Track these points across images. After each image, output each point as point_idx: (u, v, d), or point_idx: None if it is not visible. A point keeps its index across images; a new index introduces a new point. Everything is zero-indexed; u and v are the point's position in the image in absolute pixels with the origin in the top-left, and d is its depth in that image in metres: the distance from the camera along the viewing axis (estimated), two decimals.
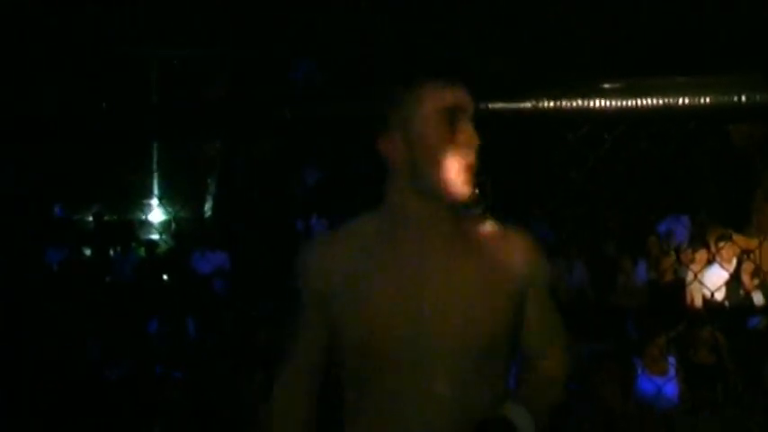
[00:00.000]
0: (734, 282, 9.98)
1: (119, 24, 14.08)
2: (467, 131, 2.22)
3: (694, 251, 10.82)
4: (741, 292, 9.87)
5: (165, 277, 11.42)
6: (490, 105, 2.74)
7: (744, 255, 10.21)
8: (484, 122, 2.48)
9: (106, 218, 14.41)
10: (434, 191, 2.23)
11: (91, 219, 14.74)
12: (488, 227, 2.34)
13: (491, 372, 2.26)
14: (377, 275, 2.26)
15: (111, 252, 13.10)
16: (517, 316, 2.30)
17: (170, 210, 16.40)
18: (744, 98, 2.67)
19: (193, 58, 15.90)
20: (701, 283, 9.62)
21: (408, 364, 2.21)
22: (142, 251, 13.57)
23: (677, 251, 11.17)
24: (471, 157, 2.22)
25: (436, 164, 2.21)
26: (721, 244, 10.57)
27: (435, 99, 2.22)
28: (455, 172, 2.21)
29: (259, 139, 13.11)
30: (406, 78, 2.27)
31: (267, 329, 7.98)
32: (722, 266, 10.07)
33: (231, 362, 7.15)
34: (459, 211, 2.30)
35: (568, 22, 12.24)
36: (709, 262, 10.46)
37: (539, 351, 2.40)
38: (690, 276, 10.26)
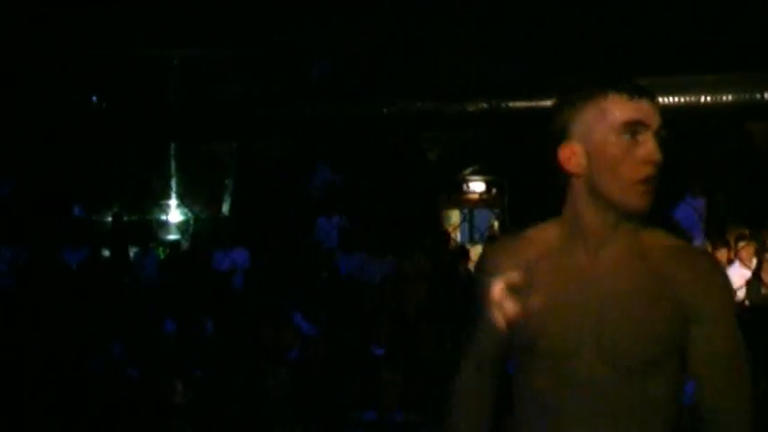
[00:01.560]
0: (754, 281, 9.95)
1: (135, 25, 14.10)
2: (648, 145, 2.19)
3: (714, 250, 10.77)
4: (762, 290, 9.84)
5: (185, 277, 11.44)
6: (510, 104, 2.74)
7: (764, 254, 10.18)
8: (503, 121, 2.49)
9: (125, 218, 14.42)
10: (611, 202, 2.23)
11: (110, 219, 14.76)
12: (667, 242, 2.30)
13: (650, 392, 2.21)
14: (549, 282, 2.28)
15: (131, 253, 13.12)
16: (678, 339, 2.22)
17: (188, 210, 16.42)
18: (766, 96, 2.67)
19: (211, 58, 15.90)
20: None
21: (567, 370, 2.23)
22: (161, 251, 13.60)
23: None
24: (650, 171, 2.19)
25: (614, 176, 2.21)
26: (741, 243, 10.54)
27: (619, 111, 2.21)
28: (632, 185, 2.20)
29: (276, 139, 13.12)
30: (590, 88, 2.26)
31: (287, 327, 8.03)
32: (743, 265, 10.05)
33: (250, 360, 7.18)
34: (639, 225, 2.28)
35: (588, 21, 12.21)
36: (730, 261, 10.43)
37: (707, 385, 2.24)
38: None
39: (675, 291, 2.20)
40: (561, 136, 2.28)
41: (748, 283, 9.82)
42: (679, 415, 2.27)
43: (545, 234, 2.37)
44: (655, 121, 2.21)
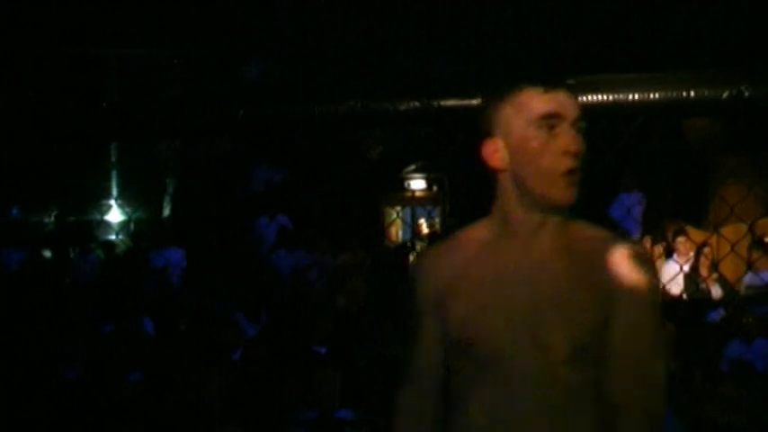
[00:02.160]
0: (692, 275, 10.08)
1: (76, 23, 14.00)
2: (565, 137, 2.22)
3: (652, 245, 10.90)
4: (701, 285, 9.96)
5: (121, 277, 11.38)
6: (442, 103, 2.77)
7: (701, 249, 10.31)
8: (436, 119, 2.51)
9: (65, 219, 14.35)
10: (536, 196, 2.26)
11: (50, 220, 14.66)
12: (593, 233, 2.34)
13: (586, 381, 2.24)
14: (482, 284, 2.30)
15: (71, 253, 13.02)
16: (604, 329, 2.24)
17: (128, 210, 16.33)
18: (692, 93, 2.72)
19: (150, 57, 15.83)
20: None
21: (505, 369, 2.25)
22: (101, 252, 13.50)
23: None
24: (571, 163, 2.22)
25: (536, 170, 2.24)
26: (680, 238, 10.68)
27: (534, 104, 2.24)
28: (555, 177, 2.23)
29: (215, 138, 13.09)
30: (508, 83, 2.30)
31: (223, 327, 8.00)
32: (677, 261, 10.18)
33: (190, 361, 7.15)
34: (566, 218, 2.32)
35: (521, 19, 12.31)
36: (668, 255, 10.57)
37: (618, 375, 2.25)
38: None
39: (599, 279, 2.24)
40: (485, 133, 2.31)
41: (686, 278, 9.93)
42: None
43: (476, 234, 2.39)
44: (571, 112, 2.25)
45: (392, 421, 2.53)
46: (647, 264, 2.31)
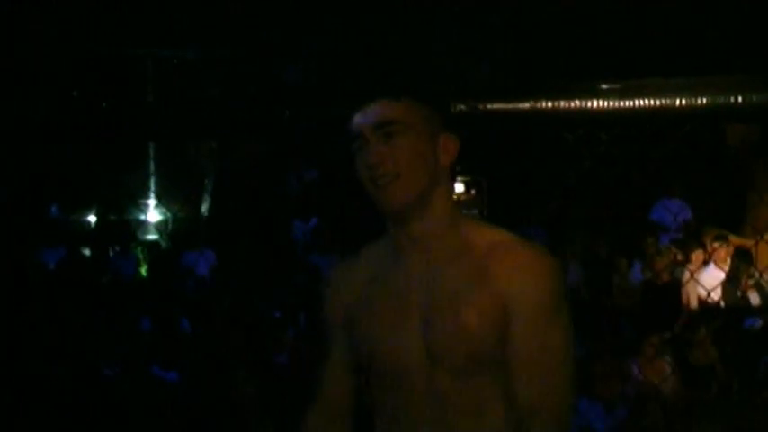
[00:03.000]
0: (730, 282, 9.99)
1: (114, 24, 14.07)
2: (364, 150, 2.25)
3: (690, 251, 10.82)
4: (738, 292, 9.88)
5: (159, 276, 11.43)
6: (488, 106, 2.75)
7: (741, 256, 10.22)
8: (481, 123, 2.50)
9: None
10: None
11: (89, 219, 14.76)
12: (492, 238, 2.29)
13: (485, 390, 2.23)
14: (380, 300, 2.31)
15: (111, 252, 13.09)
16: (498, 335, 2.20)
17: (166, 210, 16.40)
18: (740, 99, 2.69)
19: (189, 58, 15.90)
20: (698, 282, 9.64)
21: (404, 383, 2.26)
22: (139, 251, 13.56)
23: (675, 247, 11.12)
24: (374, 172, 2.23)
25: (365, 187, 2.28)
26: (716, 244, 10.60)
27: (350, 124, 2.30)
28: (370, 191, 2.26)
29: (255, 139, 13.12)
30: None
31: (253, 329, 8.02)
32: (718, 266, 10.09)
33: (220, 361, 7.18)
34: (471, 224, 2.32)
35: (566, 22, 12.24)
36: (705, 262, 10.48)
37: (519, 385, 2.20)
38: (686, 276, 10.26)
39: (495, 285, 2.20)
40: None
41: (724, 285, 9.84)
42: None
43: (378, 250, 2.41)
44: (367, 124, 2.26)
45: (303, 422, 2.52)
46: (547, 267, 2.24)
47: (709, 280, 9.62)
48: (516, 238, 2.31)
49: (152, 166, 16.73)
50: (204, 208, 16.61)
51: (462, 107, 2.77)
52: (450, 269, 2.24)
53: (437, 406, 2.22)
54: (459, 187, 16.70)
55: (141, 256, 13.09)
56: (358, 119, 2.27)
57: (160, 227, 16.06)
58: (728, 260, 10.42)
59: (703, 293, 9.59)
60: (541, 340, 2.19)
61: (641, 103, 2.71)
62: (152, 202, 16.97)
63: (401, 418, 2.27)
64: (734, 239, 11.05)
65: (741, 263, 10.11)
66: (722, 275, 9.80)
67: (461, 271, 2.23)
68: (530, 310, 2.19)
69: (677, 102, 2.73)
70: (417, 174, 2.23)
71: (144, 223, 16.09)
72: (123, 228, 14.16)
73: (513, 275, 2.19)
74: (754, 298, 9.84)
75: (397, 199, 2.22)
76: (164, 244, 14.46)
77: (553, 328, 2.20)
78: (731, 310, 9.47)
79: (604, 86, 2.77)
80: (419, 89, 2.33)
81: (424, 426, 2.23)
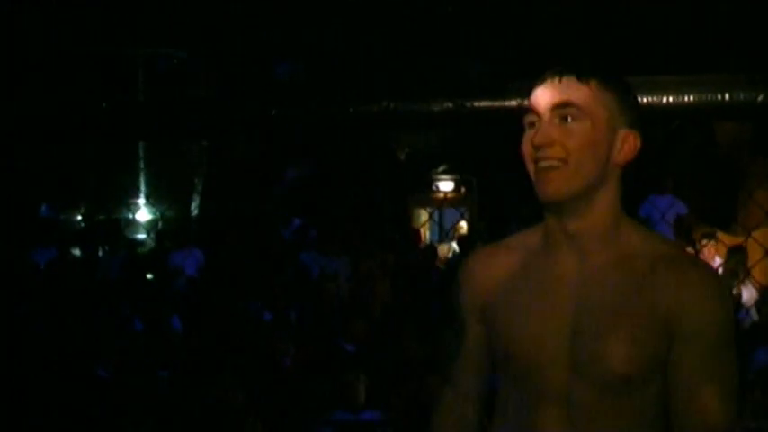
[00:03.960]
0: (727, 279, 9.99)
1: (102, 23, 14.06)
2: (535, 127, 2.10)
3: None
4: (734, 290, 9.88)
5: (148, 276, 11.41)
6: (476, 104, 2.75)
7: (734, 252, 10.23)
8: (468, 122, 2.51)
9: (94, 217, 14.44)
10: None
11: (79, 218, 14.74)
12: (658, 249, 2.12)
13: (632, 408, 2.08)
14: (527, 293, 2.18)
15: (100, 251, 13.07)
16: (663, 355, 2.05)
17: (156, 209, 16.39)
18: (727, 97, 2.69)
19: (179, 56, 15.90)
20: None
21: (541, 383, 2.13)
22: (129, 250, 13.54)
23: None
24: (535, 154, 2.08)
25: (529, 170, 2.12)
26: (705, 242, 10.62)
27: (527, 101, 2.14)
28: (532, 173, 2.11)
29: (245, 138, 13.13)
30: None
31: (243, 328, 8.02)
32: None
33: (210, 362, 7.17)
34: (631, 227, 2.16)
35: (553, 20, 12.27)
36: None
37: (681, 409, 2.06)
38: None
39: (660, 303, 2.05)
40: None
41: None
42: (667, 428, 2.11)
43: (527, 240, 2.26)
44: (544, 103, 2.10)
45: (431, 422, 2.42)
46: (719, 289, 2.09)
47: None
48: (685, 252, 2.19)
49: (141, 165, 16.72)
50: (194, 207, 16.61)
51: (450, 105, 2.76)
52: (608, 276, 2.09)
53: (568, 418, 2.10)
54: (448, 185, 16.74)
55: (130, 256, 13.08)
56: (538, 93, 2.11)
57: (149, 226, 16.05)
58: (717, 258, 10.44)
59: None
60: (710, 372, 2.05)
61: None
62: (141, 201, 16.96)
63: (525, 422, 2.15)
64: (723, 237, 11.07)
65: (737, 260, 10.12)
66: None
67: (621, 280, 2.08)
68: (701, 336, 2.03)
69: (664, 99, 2.73)
70: (586, 165, 2.06)
71: (133, 222, 16.06)
72: (112, 227, 14.14)
73: (682, 294, 2.04)
74: (745, 294, 9.85)
75: (557, 187, 2.06)
76: (152, 243, 14.44)
77: (723, 359, 2.06)
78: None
79: None
80: (611, 73, 2.14)
81: None
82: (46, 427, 6.35)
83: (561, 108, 2.06)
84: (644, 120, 2.18)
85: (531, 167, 2.10)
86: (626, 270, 2.08)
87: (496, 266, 2.27)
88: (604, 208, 2.11)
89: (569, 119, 2.06)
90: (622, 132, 2.10)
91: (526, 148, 2.10)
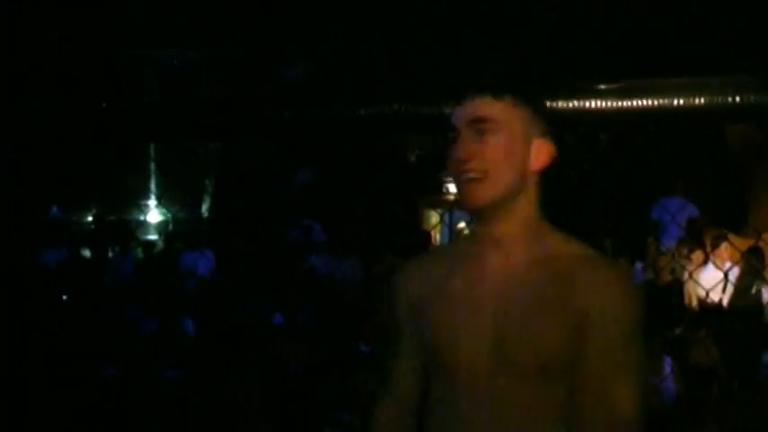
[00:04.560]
0: (744, 281, 9.96)
1: (113, 24, 14.08)
2: (456, 144, 2.27)
3: (690, 251, 10.81)
4: (753, 291, 9.86)
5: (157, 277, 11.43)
6: None
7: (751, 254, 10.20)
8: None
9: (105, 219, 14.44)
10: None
11: (90, 219, 14.77)
12: (573, 250, 2.29)
13: (550, 398, 2.23)
14: (454, 295, 2.33)
15: (110, 253, 13.10)
16: (572, 347, 2.21)
17: (166, 210, 16.41)
18: (738, 99, 2.69)
19: (189, 58, 15.91)
20: (697, 282, 9.64)
21: (467, 379, 2.27)
22: (139, 251, 13.56)
23: (683, 247, 11.08)
24: (461, 167, 2.26)
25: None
26: (717, 244, 10.59)
27: (451, 119, 2.32)
28: (456, 185, 2.29)
29: (255, 140, 13.14)
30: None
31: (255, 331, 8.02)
32: (717, 267, 10.08)
33: (222, 363, 7.18)
34: (550, 232, 2.33)
35: (564, 22, 12.25)
36: (704, 262, 10.47)
37: (584, 405, 2.22)
38: (685, 276, 10.26)
39: (574, 298, 2.20)
40: None
41: (735, 285, 9.82)
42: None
43: (460, 246, 2.46)
44: (462, 118, 2.29)
45: (369, 424, 2.57)
46: (630, 288, 2.27)
47: (709, 280, 9.62)
48: (600, 254, 2.34)
49: (152, 167, 16.74)
50: (204, 208, 16.63)
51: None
52: (529, 275, 2.25)
53: (494, 407, 2.24)
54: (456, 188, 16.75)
55: (140, 257, 13.11)
56: (457, 111, 2.29)
57: (160, 227, 16.07)
58: (728, 261, 10.41)
59: (702, 294, 9.60)
60: (617, 362, 2.20)
61: (640, 103, 2.72)
62: (152, 202, 16.98)
63: (454, 413, 2.29)
64: (734, 239, 11.04)
65: (756, 259, 10.09)
66: (721, 275, 9.79)
67: (541, 279, 2.24)
68: (608, 329, 2.19)
69: (675, 102, 2.73)
70: (504, 175, 2.24)
71: (144, 223, 16.10)
72: (122, 228, 14.17)
73: (596, 292, 2.20)
74: (765, 296, 9.82)
75: (479, 198, 2.24)
76: (162, 244, 14.48)
77: (630, 351, 2.21)
78: (741, 310, 9.44)
79: (603, 86, 2.78)
80: (523, 88, 2.31)
81: (474, 423, 2.26)
82: (57, 428, 6.37)
83: (478, 123, 2.25)
84: (557, 128, 2.36)
85: (456, 181, 2.28)
86: (545, 269, 2.25)
87: (426, 273, 2.43)
88: (525, 213, 2.29)
89: (486, 133, 2.24)
90: (537, 142, 2.28)
91: (450, 165, 2.28)
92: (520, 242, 2.28)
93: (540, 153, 2.28)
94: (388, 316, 2.53)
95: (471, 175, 2.23)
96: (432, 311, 2.35)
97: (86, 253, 12.84)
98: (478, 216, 2.30)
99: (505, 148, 2.24)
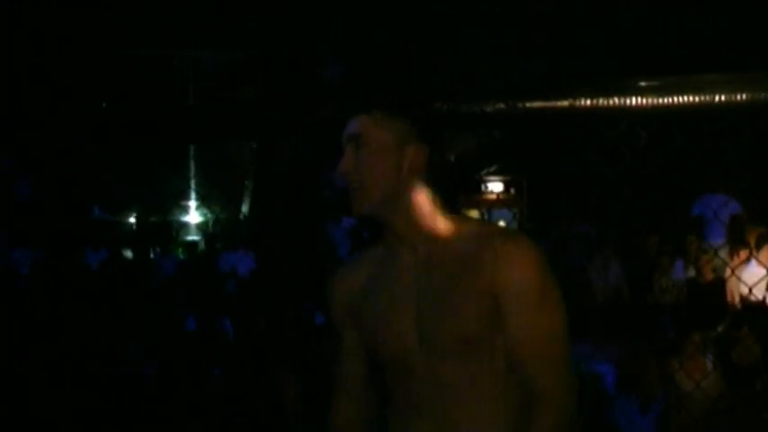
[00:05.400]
0: None
1: (151, 25, 14.14)
2: (341, 158, 2.47)
3: (733, 249, 10.72)
4: None
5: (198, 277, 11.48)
6: (527, 104, 2.76)
7: None
8: (520, 122, 2.50)
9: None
10: None
11: (132, 220, 14.86)
12: (477, 229, 2.47)
13: (479, 370, 2.39)
14: (380, 291, 2.51)
15: (151, 253, 13.17)
16: (493, 318, 2.37)
17: (207, 211, 16.49)
18: None
19: (227, 58, 15.96)
20: (740, 279, 9.56)
21: (404, 368, 2.45)
22: (180, 252, 13.64)
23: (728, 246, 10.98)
24: (343, 180, 2.46)
25: None
26: (762, 244, 10.48)
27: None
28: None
29: (293, 140, 13.15)
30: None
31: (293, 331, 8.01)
32: (761, 264, 9.98)
33: (262, 363, 7.19)
34: (457, 220, 2.49)
35: (604, 19, 12.19)
36: (747, 260, 10.37)
37: (521, 369, 2.39)
38: (727, 274, 10.19)
39: (482, 272, 2.36)
40: None
41: None
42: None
43: (379, 249, 2.60)
44: (345, 134, 2.49)
45: (328, 424, 2.71)
46: (532, 255, 2.39)
47: (751, 277, 9.52)
48: (500, 228, 2.62)
49: (193, 168, 16.82)
50: (245, 209, 16.68)
51: (502, 106, 2.78)
52: (439, 259, 2.42)
53: (436, 390, 2.39)
54: (498, 186, 16.67)
55: (182, 257, 13.18)
56: (344, 129, 2.49)
57: (202, 228, 16.16)
58: None
59: (745, 291, 9.52)
60: (535, 326, 2.36)
61: (680, 99, 2.71)
62: (193, 203, 17.06)
63: (406, 402, 2.45)
64: None
65: None
66: (764, 272, 9.70)
67: (450, 261, 2.40)
68: (519, 297, 2.36)
69: (716, 98, 2.72)
70: (378, 184, 2.42)
71: (186, 224, 16.18)
72: (164, 229, 14.25)
73: (499, 264, 2.36)
74: None
75: (358, 204, 2.45)
76: (203, 245, 14.54)
77: (542, 312, 2.37)
78: None
79: (643, 83, 2.76)
80: (393, 102, 2.50)
81: (425, 408, 2.41)
82: (97, 427, 6.41)
83: (353, 139, 2.46)
84: (436, 130, 2.57)
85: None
86: (452, 251, 2.42)
87: (356, 276, 2.61)
88: (412, 210, 2.45)
89: (360, 147, 2.44)
90: (411, 149, 2.45)
91: (335, 175, 2.48)
92: (422, 234, 2.44)
93: (415, 159, 2.44)
94: (329, 320, 2.70)
95: (353, 185, 2.44)
96: (362, 313, 2.53)
97: (128, 254, 12.92)
98: (379, 219, 2.48)
99: (376, 160, 2.43)
